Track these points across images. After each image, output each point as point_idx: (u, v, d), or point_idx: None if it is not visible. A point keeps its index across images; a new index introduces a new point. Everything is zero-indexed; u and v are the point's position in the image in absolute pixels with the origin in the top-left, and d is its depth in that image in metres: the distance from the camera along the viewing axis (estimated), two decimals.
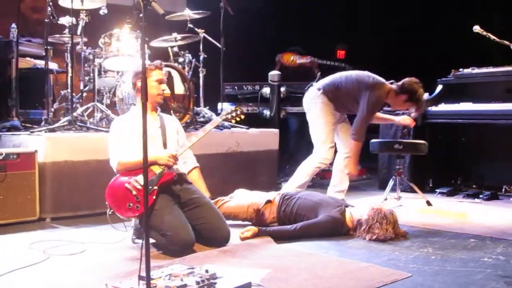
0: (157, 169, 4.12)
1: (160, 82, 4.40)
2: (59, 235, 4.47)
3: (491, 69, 6.53)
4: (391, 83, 5.51)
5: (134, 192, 4.04)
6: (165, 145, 4.36)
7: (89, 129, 5.73)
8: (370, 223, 4.42)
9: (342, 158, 5.77)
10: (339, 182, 5.80)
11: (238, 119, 4.59)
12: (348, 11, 10.45)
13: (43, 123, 5.98)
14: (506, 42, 5.82)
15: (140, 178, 4.05)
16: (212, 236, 4.20)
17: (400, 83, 5.47)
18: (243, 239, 4.28)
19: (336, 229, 4.50)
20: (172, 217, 4.03)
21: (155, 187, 4.10)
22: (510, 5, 8.18)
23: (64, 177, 5.06)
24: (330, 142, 5.58)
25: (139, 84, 4.29)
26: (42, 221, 4.92)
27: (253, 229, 4.35)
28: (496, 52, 5.99)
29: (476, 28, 5.97)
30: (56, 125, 5.74)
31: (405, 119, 5.91)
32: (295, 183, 5.62)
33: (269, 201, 4.82)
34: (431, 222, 5.16)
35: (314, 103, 5.63)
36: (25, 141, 5.25)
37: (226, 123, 6.86)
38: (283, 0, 10.19)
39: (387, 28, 9.68)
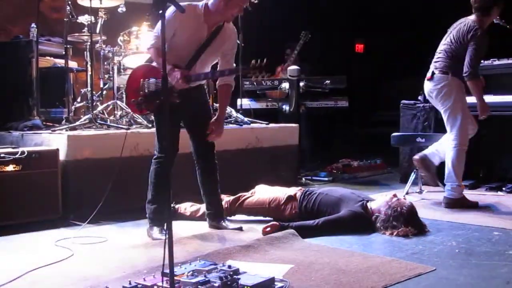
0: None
1: (241, 9, 4.28)
2: (82, 233, 4.50)
3: (510, 60, 6.46)
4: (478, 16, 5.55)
5: (141, 92, 4.24)
6: (194, 59, 4.27)
7: (109, 127, 5.77)
8: (387, 222, 4.39)
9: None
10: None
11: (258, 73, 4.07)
12: (366, 4, 10.41)
13: (64, 121, 6.03)
14: None
15: (152, 83, 4.22)
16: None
17: (478, 8, 5.54)
18: (265, 234, 4.28)
19: (359, 223, 4.47)
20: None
21: (156, 100, 4.21)
22: None
23: (86, 175, 5.09)
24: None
25: (222, 3, 4.14)
26: (66, 218, 4.94)
27: (275, 224, 4.35)
28: None
29: (496, 19, 5.90)
30: (77, 123, 5.78)
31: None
32: (457, 174, 5.59)
33: (290, 197, 4.81)
34: (454, 215, 5.13)
35: (447, 89, 5.60)
36: (46, 140, 5.28)
37: (246, 119, 6.87)
38: None
39: (405, 20, 9.63)
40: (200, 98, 4.53)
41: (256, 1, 4.60)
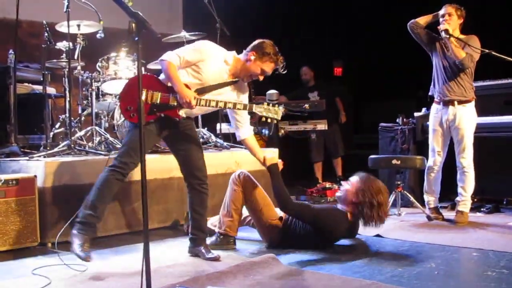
0: (174, 101, 4.21)
1: (263, 73, 4.46)
2: (61, 260, 4.45)
3: (488, 82, 6.54)
4: None
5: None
6: (205, 90, 4.34)
7: (88, 153, 5.73)
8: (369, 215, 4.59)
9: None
10: None
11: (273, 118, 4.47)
12: (345, 28, 10.50)
13: (42, 148, 5.99)
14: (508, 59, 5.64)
15: (156, 96, 4.20)
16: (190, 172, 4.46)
17: None
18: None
19: (338, 220, 4.64)
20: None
21: (158, 113, 4.21)
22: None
23: (64, 202, 5.04)
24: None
25: (252, 57, 4.38)
26: (43, 246, 4.89)
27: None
28: (493, 64, 5.99)
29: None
30: (55, 149, 5.74)
31: None
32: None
33: (281, 218, 4.90)
34: (433, 237, 5.15)
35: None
36: (24, 167, 5.24)
37: (225, 144, 6.87)
38: (280, 18, 10.24)
39: (383, 44, 9.71)
40: (186, 130, 4.49)
41: (284, 72, 4.68)
